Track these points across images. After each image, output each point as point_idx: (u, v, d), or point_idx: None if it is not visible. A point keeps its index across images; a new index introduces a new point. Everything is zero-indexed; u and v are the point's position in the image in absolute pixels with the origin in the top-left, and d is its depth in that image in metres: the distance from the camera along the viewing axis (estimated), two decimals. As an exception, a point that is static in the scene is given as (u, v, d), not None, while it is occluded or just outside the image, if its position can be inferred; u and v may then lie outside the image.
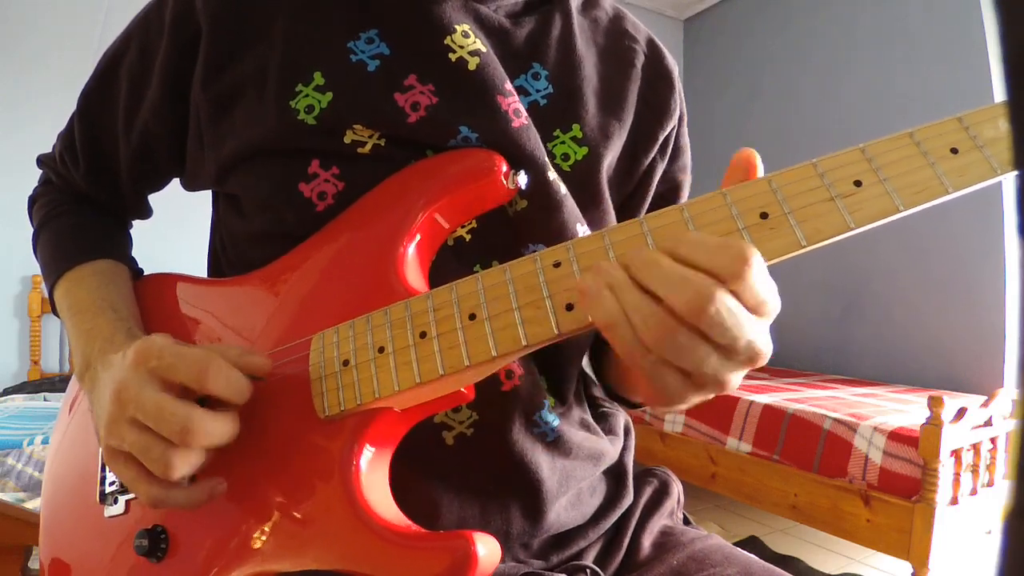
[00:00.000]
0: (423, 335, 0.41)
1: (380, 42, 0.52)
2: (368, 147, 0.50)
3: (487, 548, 0.38)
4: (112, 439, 0.43)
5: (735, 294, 0.32)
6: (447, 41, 0.51)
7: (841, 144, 0.36)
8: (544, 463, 0.52)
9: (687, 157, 0.65)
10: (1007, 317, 2.39)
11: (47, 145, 0.67)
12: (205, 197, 0.63)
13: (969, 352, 2.51)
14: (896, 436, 1.67)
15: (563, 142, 0.54)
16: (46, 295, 0.68)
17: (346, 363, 0.43)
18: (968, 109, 0.35)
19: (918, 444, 1.58)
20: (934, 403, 1.57)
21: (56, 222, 0.63)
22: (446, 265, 0.50)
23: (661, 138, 0.60)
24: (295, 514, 0.43)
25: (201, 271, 0.65)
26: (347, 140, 0.50)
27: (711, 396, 0.36)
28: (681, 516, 0.66)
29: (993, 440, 1.77)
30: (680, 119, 0.62)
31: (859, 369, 2.91)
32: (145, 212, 0.69)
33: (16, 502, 1.29)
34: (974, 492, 1.70)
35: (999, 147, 0.33)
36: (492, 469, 0.51)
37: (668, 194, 0.63)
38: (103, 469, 0.54)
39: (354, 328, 0.44)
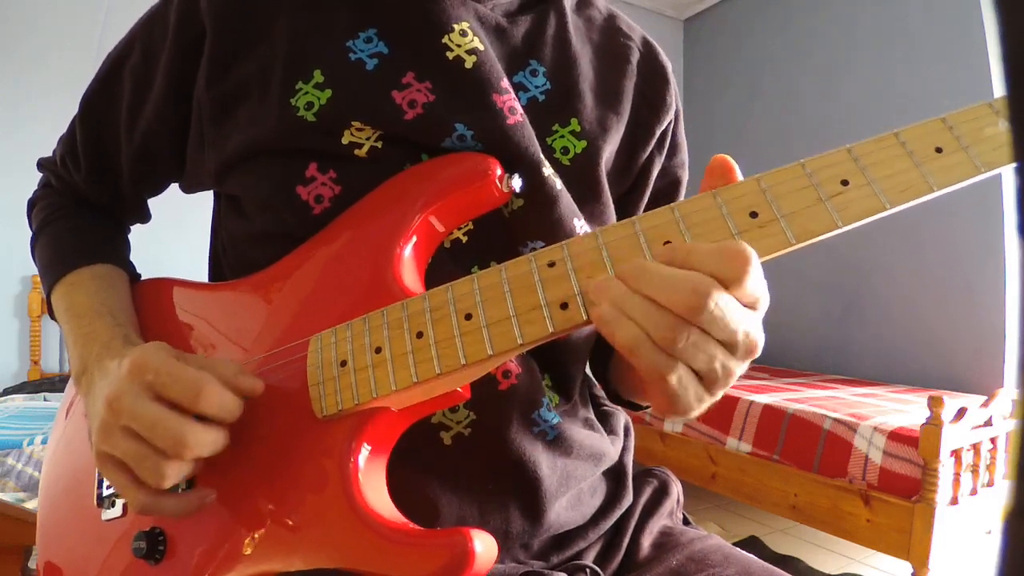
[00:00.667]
0: (420, 335, 0.41)
1: (379, 41, 0.52)
2: (365, 149, 0.51)
3: (484, 545, 0.38)
4: (104, 445, 0.43)
5: (735, 295, 0.34)
6: (445, 40, 0.52)
7: (841, 144, 0.37)
8: (543, 462, 0.52)
9: (684, 154, 0.65)
10: (1007, 317, 2.39)
11: (47, 145, 0.67)
12: (204, 200, 0.63)
13: (969, 352, 2.51)
14: (896, 436, 1.67)
15: (562, 136, 0.55)
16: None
17: (344, 364, 0.44)
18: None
19: (918, 444, 1.58)
20: (934, 403, 1.57)
21: (55, 225, 0.63)
22: (443, 267, 0.50)
23: (658, 132, 0.61)
24: (294, 514, 0.44)
25: (201, 273, 0.65)
26: (345, 140, 0.50)
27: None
28: (681, 516, 0.66)
29: (993, 440, 1.77)
30: (676, 115, 0.63)
31: (859, 369, 2.91)
32: (144, 216, 0.69)
33: (16, 502, 1.29)
34: (974, 492, 1.70)
35: (982, 147, 0.35)
36: (491, 469, 0.51)
37: (667, 189, 0.64)
38: (101, 472, 0.54)
39: (351, 329, 0.44)
